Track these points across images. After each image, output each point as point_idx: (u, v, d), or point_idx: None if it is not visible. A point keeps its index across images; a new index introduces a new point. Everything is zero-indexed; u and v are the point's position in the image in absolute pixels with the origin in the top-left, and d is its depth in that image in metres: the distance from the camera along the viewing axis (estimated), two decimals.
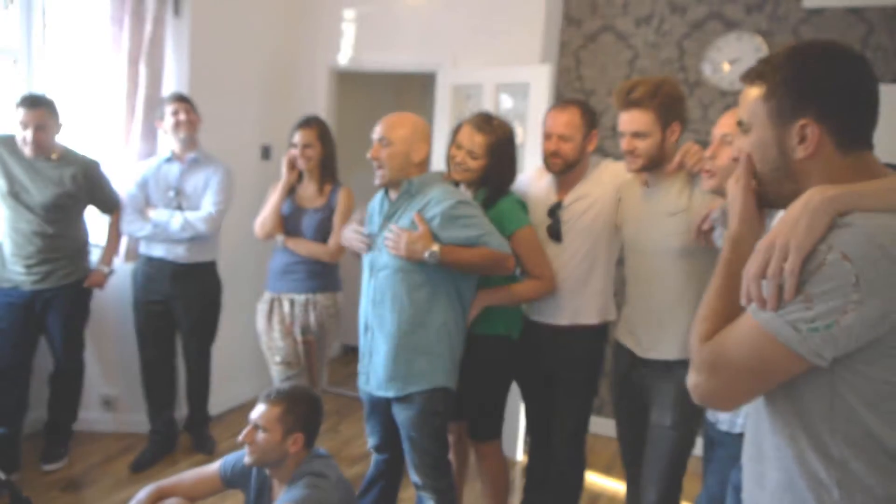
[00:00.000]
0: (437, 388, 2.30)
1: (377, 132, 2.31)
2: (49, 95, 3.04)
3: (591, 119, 2.44)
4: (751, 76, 1.14)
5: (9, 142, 3.02)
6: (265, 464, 2.04)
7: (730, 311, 1.10)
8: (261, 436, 1.99)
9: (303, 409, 2.06)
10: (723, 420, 1.88)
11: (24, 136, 2.92)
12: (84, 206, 3.17)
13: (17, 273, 3.03)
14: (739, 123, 1.17)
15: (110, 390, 3.66)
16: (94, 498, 3.06)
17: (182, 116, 3.19)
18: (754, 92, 1.12)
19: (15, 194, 2.97)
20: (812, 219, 0.99)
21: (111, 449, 3.50)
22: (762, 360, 1.02)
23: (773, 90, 1.09)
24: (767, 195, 1.15)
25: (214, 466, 2.17)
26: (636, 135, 2.14)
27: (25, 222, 3.00)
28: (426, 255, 2.16)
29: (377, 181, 2.33)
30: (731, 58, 3.62)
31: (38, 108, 2.94)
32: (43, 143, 2.97)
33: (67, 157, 3.08)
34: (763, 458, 1.11)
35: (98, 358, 3.57)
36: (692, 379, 1.12)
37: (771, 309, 1.00)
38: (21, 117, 2.91)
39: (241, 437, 2.03)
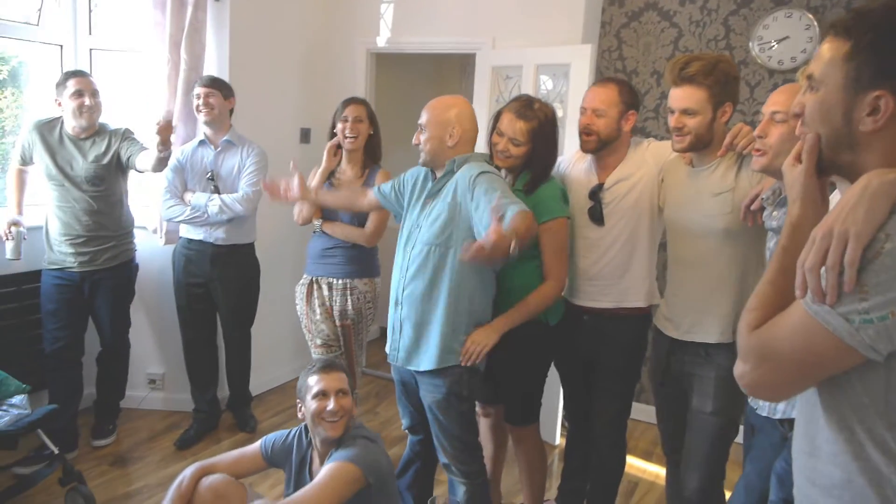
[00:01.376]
0: (463, 369, 2.28)
1: (421, 117, 2.33)
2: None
3: (630, 98, 2.37)
4: (837, 28, 1.02)
5: (47, 125, 3.14)
6: (347, 427, 2.09)
7: (782, 300, 1.05)
8: (345, 400, 2.07)
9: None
10: (763, 405, 1.83)
11: (79, 105, 3.03)
12: (123, 179, 3.24)
13: (66, 254, 3.12)
14: (809, 77, 1.07)
15: (156, 369, 3.75)
16: (142, 473, 3.15)
17: (202, 100, 3.23)
18: (835, 48, 1.02)
19: (61, 172, 3.08)
20: (871, 205, 0.93)
21: (157, 426, 3.60)
22: (812, 351, 0.98)
23: (857, 51, 0.99)
24: (820, 161, 1.07)
25: (255, 445, 2.22)
26: (686, 112, 2.08)
27: (73, 200, 3.09)
28: (511, 249, 1.87)
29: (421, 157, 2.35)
30: (779, 36, 3.49)
31: (88, 76, 3.11)
32: (98, 110, 3.11)
33: (103, 131, 3.20)
34: (817, 453, 1.07)
35: (144, 338, 3.66)
36: (739, 367, 1.08)
37: (830, 303, 0.95)
38: (74, 86, 3.03)
39: (333, 406, 2.04)
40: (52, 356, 3.15)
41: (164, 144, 3.04)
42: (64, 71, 3.26)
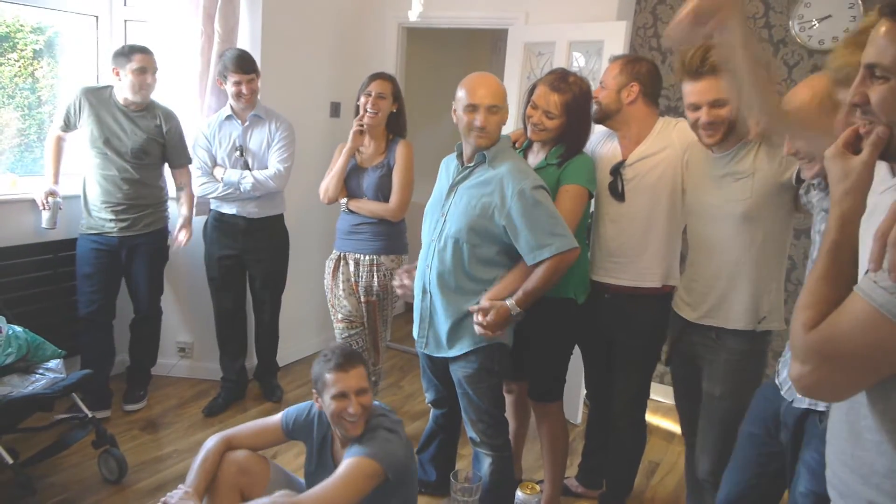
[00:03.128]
0: (494, 345, 2.31)
1: (485, 97, 2.20)
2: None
3: (632, 71, 2.39)
4: None
5: (98, 93, 3.19)
6: (365, 425, 2.03)
7: (837, 295, 1.00)
8: (364, 398, 2.00)
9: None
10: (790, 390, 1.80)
11: (141, 81, 3.10)
12: (164, 156, 3.31)
13: (105, 220, 3.19)
14: (870, 66, 1.00)
15: (185, 338, 3.83)
16: (171, 438, 3.23)
17: (244, 87, 3.22)
18: None
19: (106, 141, 3.13)
20: None
21: (186, 394, 3.68)
22: (880, 347, 0.93)
23: None
24: (887, 149, 1.01)
25: (276, 418, 2.23)
26: (716, 104, 2.02)
27: (115, 169, 3.15)
28: (513, 315, 2.22)
29: (479, 142, 2.25)
30: (820, 15, 3.40)
31: (151, 53, 3.17)
32: (154, 87, 3.19)
33: (152, 107, 3.25)
34: (858, 441, 1.05)
35: (173, 308, 3.74)
36: (796, 369, 1.03)
37: None
38: (139, 63, 3.08)
39: (353, 409, 1.97)
40: (86, 318, 3.23)
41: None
42: (128, 43, 3.32)
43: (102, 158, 3.14)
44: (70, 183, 3.30)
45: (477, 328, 2.23)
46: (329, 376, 2.01)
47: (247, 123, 3.33)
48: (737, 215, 2.08)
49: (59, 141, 3.23)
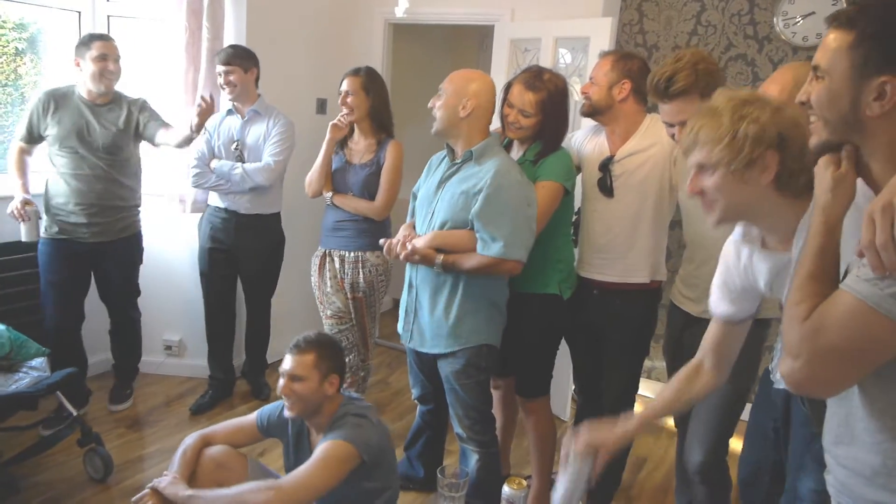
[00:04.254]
0: (482, 345, 2.32)
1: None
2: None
3: (624, 68, 2.38)
4: (840, 20, 1.08)
5: (61, 92, 3.09)
6: (306, 413, 2.09)
7: (827, 291, 1.06)
8: (298, 385, 2.03)
9: (331, 352, 2.11)
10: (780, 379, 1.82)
11: (101, 69, 2.99)
12: (137, 149, 3.23)
13: (76, 224, 3.07)
14: (814, 68, 1.12)
15: (172, 336, 3.81)
16: (158, 437, 3.21)
17: (223, 79, 3.22)
18: (840, 38, 1.07)
19: (77, 137, 3.02)
20: None
21: (173, 392, 3.67)
22: (865, 336, 0.98)
23: (861, 41, 1.04)
24: (830, 144, 1.13)
25: (251, 417, 2.27)
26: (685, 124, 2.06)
27: (88, 167, 3.05)
28: (434, 266, 2.28)
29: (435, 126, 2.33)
30: (804, 11, 3.42)
31: (112, 40, 3.07)
32: (117, 77, 3.08)
33: (119, 99, 3.17)
34: (856, 442, 1.08)
35: (160, 305, 3.71)
36: (787, 365, 1.07)
37: None
38: (99, 50, 2.98)
39: (279, 391, 2.07)
40: (54, 329, 3.13)
41: (199, 127, 3.07)
42: (88, 33, 3.23)
43: (73, 157, 3.03)
44: (35, 181, 3.15)
45: (390, 244, 2.34)
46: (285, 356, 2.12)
47: (246, 118, 3.31)
48: None
49: (23, 153, 3.08)
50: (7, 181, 3.17)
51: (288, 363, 2.07)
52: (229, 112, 3.34)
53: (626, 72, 2.38)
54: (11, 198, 3.01)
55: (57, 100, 3.06)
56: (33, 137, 3.07)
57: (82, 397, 3.30)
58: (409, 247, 2.27)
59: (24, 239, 3.01)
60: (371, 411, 2.12)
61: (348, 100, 2.99)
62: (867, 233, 0.98)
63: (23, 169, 3.09)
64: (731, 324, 1.65)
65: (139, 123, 3.17)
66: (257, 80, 3.33)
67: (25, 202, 2.96)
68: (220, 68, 3.21)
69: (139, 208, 3.33)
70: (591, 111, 2.45)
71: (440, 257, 2.24)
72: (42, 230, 3.08)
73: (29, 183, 3.08)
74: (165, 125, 3.21)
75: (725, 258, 1.60)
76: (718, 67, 2.10)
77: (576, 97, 3.30)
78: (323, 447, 1.95)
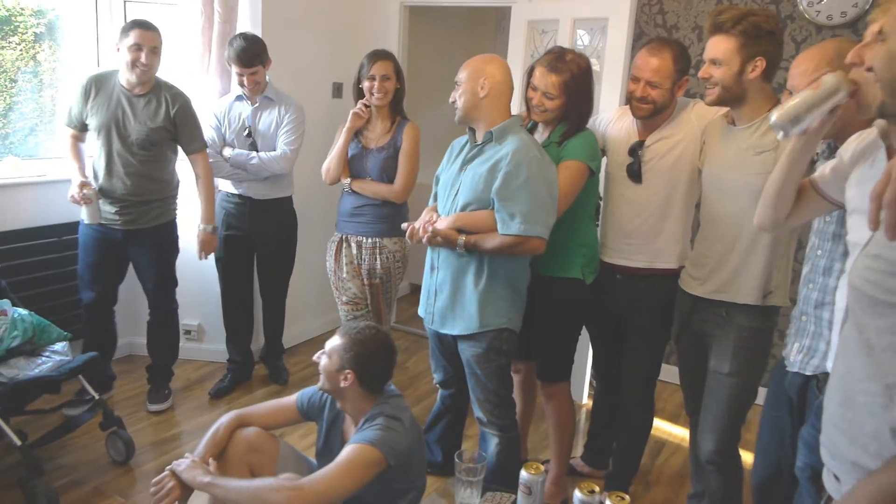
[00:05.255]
0: (503, 329, 2.31)
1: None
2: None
3: (683, 64, 2.32)
4: None
5: (105, 78, 3.02)
6: (327, 390, 2.10)
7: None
8: (324, 360, 2.05)
9: (359, 350, 2.03)
10: (794, 360, 1.78)
11: (134, 59, 2.88)
12: (174, 143, 3.12)
13: (109, 213, 3.04)
14: (879, 32, 1.13)
15: (191, 321, 3.83)
16: (178, 420, 3.25)
17: (246, 79, 3.17)
18: None
19: (111, 130, 2.96)
20: None
21: (192, 376, 3.70)
22: None
23: None
24: (886, 107, 1.13)
25: (292, 398, 2.25)
26: (713, 62, 2.06)
27: (121, 163, 2.98)
28: (456, 249, 2.27)
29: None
30: None
31: (153, 30, 2.94)
32: (155, 67, 2.97)
33: (159, 89, 3.04)
34: (850, 404, 1.08)
35: (180, 290, 3.72)
36: None
37: None
38: (134, 39, 2.87)
39: (315, 357, 2.10)
40: (87, 307, 3.17)
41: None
42: (131, 19, 3.05)
43: (107, 148, 2.97)
44: (61, 167, 3.19)
45: (413, 229, 2.33)
46: None
47: (257, 104, 3.30)
48: (756, 190, 2.04)
49: (75, 140, 3.06)
50: (30, 165, 3.19)
51: (328, 339, 2.11)
52: (238, 98, 3.31)
53: (685, 68, 2.33)
54: (35, 184, 3.02)
55: (98, 86, 2.99)
56: (77, 124, 3.03)
57: (106, 382, 3.34)
58: (431, 229, 2.26)
59: (85, 221, 3.00)
60: (406, 412, 2.06)
61: (386, 84, 2.96)
62: (880, 184, 1.00)
63: (77, 154, 3.06)
64: (812, 189, 1.69)
65: (177, 132, 3.07)
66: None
67: (83, 185, 2.93)
68: (239, 69, 3.14)
69: (175, 199, 3.25)
70: (654, 113, 2.33)
71: (462, 238, 2.23)
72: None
73: (86, 166, 3.05)
74: (200, 150, 3.15)
75: (853, 155, 1.53)
76: (774, 30, 2.04)
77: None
78: (349, 450, 1.90)
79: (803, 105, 1.53)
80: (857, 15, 3.28)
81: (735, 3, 3.56)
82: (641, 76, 2.30)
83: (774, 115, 1.57)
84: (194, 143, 3.14)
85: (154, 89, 3.03)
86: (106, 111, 2.97)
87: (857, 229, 1.40)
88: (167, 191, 3.18)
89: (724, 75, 2.04)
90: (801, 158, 1.66)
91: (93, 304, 3.18)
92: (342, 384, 2.02)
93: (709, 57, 2.08)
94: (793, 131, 1.57)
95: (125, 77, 2.98)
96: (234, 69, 3.18)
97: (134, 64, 2.90)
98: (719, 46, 2.04)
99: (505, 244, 2.20)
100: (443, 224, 2.27)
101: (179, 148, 3.16)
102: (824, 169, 1.64)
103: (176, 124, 3.06)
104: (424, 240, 2.29)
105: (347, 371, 2.01)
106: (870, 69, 1.16)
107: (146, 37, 2.90)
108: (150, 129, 2.99)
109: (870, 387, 1.04)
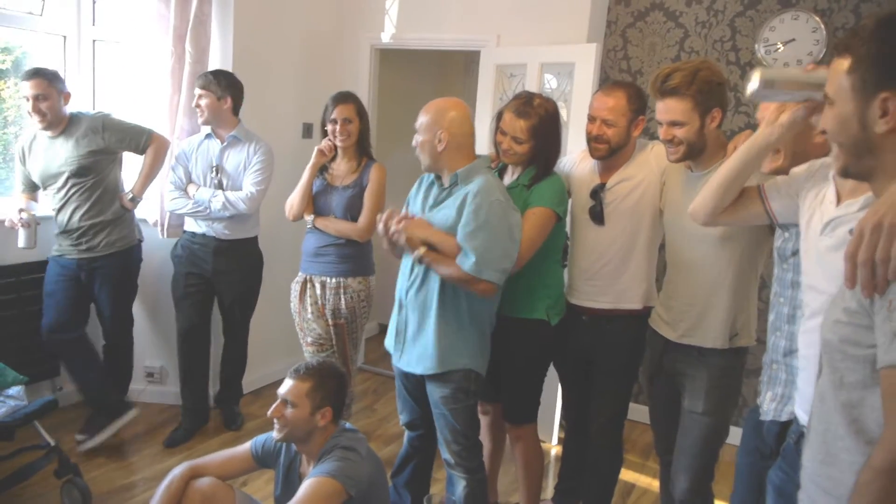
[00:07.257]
0: (469, 370, 2.30)
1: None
2: (50, 67, 3.06)
3: (638, 104, 2.37)
4: (839, 47, 1.16)
5: (30, 139, 3.14)
6: (293, 439, 2.06)
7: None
8: (290, 411, 2.01)
9: (331, 384, 2.07)
10: (767, 409, 1.80)
11: (31, 109, 2.95)
12: (112, 158, 3.16)
13: (65, 245, 3.13)
14: (825, 97, 1.20)
15: (154, 363, 3.75)
16: (138, 466, 3.14)
17: (195, 101, 3.22)
18: (839, 65, 1.14)
19: (47, 175, 3.07)
20: None
21: (154, 419, 3.59)
22: None
23: (858, 63, 1.10)
24: (848, 168, 1.18)
25: (245, 446, 2.22)
26: (674, 124, 2.08)
27: (64, 198, 3.08)
28: (416, 255, 2.26)
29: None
30: (785, 38, 3.47)
31: (39, 77, 2.94)
32: (55, 110, 2.99)
33: (73, 123, 3.08)
34: (833, 462, 1.08)
35: (142, 331, 3.65)
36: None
37: (880, 293, 1.00)
38: (24, 91, 2.95)
39: (270, 413, 2.04)
40: (46, 332, 3.10)
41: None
42: (31, 67, 3.08)
43: (51, 190, 3.10)
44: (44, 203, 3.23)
45: (385, 227, 2.28)
46: None
47: (225, 143, 3.29)
48: (716, 236, 2.09)
49: (29, 200, 3.19)
50: None
51: (284, 387, 2.06)
52: (208, 136, 3.31)
53: (640, 108, 2.38)
54: None
55: (28, 147, 3.13)
56: (29, 184, 3.17)
57: (123, 406, 3.31)
58: (402, 228, 2.24)
59: (20, 245, 3.03)
60: (361, 443, 2.07)
61: (349, 127, 2.98)
62: (853, 244, 1.04)
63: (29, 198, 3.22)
64: (756, 193, 1.81)
65: (105, 137, 3.09)
66: (237, 108, 3.31)
67: (21, 209, 3.02)
68: (196, 90, 3.22)
69: (130, 223, 3.26)
70: (610, 153, 2.36)
71: (423, 249, 2.23)
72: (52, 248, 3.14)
73: (34, 202, 3.20)
74: (144, 150, 3.20)
75: (809, 171, 1.65)
76: (722, 80, 2.09)
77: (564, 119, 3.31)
78: (308, 484, 1.89)
79: (785, 77, 1.59)
80: (812, 62, 3.41)
81: (695, 52, 3.69)
82: (597, 115, 2.35)
83: (758, 71, 1.59)
84: (139, 139, 3.19)
85: (69, 125, 3.08)
86: (42, 162, 3.07)
87: (810, 272, 1.49)
88: (117, 212, 3.19)
89: (688, 133, 2.07)
90: (758, 155, 1.74)
91: (50, 326, 3.12)
92: (320, 423, 2.02)
93: (667, 120, 2.09)
94: (761, 93, 1.61)
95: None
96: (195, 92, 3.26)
97: (34, 111, 2.98)
98: (677, 108, 2.06)
99: (455, 276, 2.21)
100: (419, 232, 2.26)
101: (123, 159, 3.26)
102: (776, 180, 1.75)
103: (112, 142, 3.11)
104: (391, 231, 2.26)
105: (325, 409, 2.01)
106: (823, 132, 1.22)
107: (36, 85, 2.94)
108: (78, 156, 3.04)
109: (851, 444, 1.05)
